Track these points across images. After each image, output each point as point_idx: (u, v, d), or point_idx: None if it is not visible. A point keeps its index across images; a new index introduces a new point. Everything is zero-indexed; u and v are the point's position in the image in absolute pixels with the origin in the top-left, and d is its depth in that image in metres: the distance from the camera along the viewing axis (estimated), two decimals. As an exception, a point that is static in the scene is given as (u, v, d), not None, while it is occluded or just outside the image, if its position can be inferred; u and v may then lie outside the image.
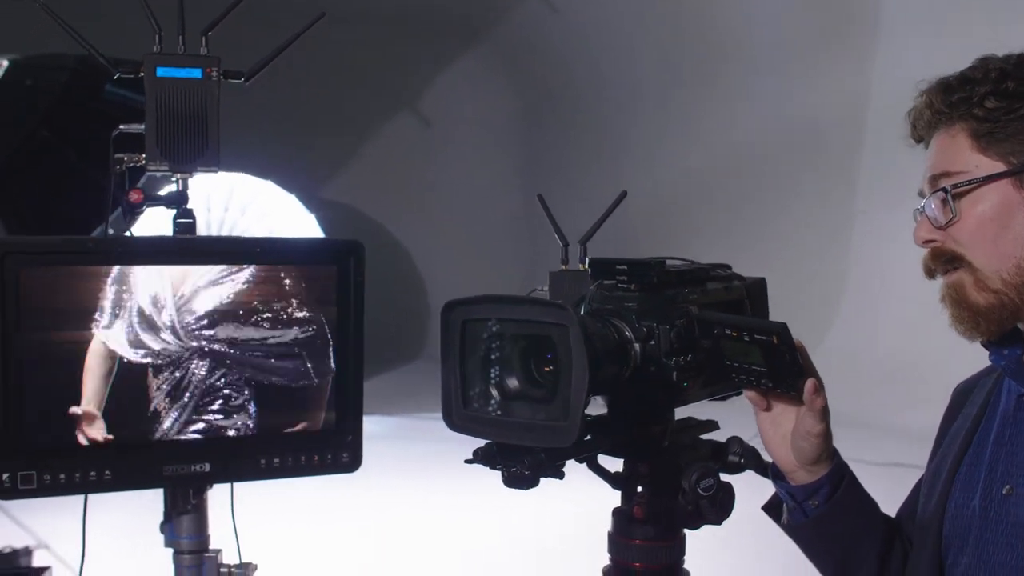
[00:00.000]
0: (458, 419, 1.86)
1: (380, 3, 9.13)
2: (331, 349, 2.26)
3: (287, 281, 2.21)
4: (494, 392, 1.85)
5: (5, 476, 2.07)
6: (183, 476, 2.18)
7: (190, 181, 2.22)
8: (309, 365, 2.24)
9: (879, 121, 8.11)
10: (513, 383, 1.84)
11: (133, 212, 2.16)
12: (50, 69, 5.06)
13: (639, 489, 2.06)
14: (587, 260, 2.19)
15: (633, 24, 9.32)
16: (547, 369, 1.83)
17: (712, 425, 2.15)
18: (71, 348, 2.09)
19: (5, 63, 4.85)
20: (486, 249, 10.58)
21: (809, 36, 8.44)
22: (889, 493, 1.99)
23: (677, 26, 9.05)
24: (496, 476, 1.83)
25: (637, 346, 1.90)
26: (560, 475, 1.81)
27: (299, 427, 2.26)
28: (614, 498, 2.09)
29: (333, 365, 2.26)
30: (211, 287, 2.16)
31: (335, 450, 2.28)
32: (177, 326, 2.16)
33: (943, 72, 1.85)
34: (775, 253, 8.24)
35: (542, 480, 1.82)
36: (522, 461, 1.76)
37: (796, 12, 8.45)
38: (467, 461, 1.86)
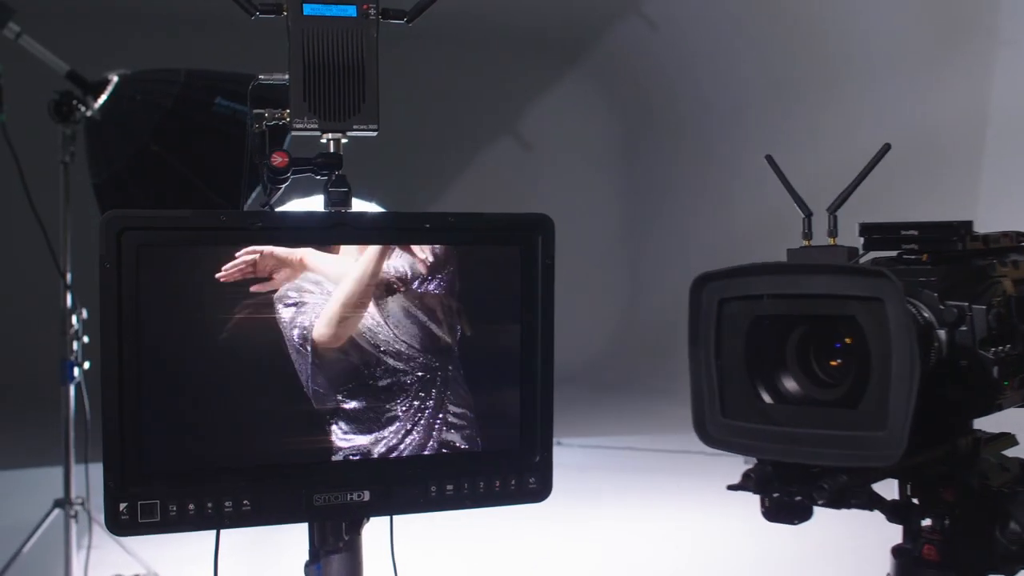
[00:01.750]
0: (715, 430, 1.34)
1: (480, 25, 8.75)
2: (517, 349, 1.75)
3: (466, 266, 1.72)
4: (764, 394, 1.33)
5: (122, 507, 1.60)
6: (337, 507, 1.69)
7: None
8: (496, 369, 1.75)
9: (1001, 132, 7.46)
10: (790, 383, 1.32)
11: (276, 180, 1.67)
12: (160, 83, 4.67)
13: (926, 523, 1.52)
14: (836, 230, 1.66)
15: (738, 39, 8.77)
16: (833, 364, 1.30)
17: (1009, 440, 1.60)
18: (203, 346, 1.62)
19: (115, 78, 4.46)
20: (588, 273, 10.07)
21: (925, 46, 7.83)
22: None
23: (785, 40, 8.49)
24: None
25: (942, 333, 1.37)
26: (869, 505, 1.28)
27: (476, 447, 1.76)
28: (891, 534, 1.56)
29: (518, 369, 1.76)
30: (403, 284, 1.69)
31: (520, 474, 1.77)
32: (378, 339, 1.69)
33: None
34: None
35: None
36: (820, 486, 1.23)
37: (911, 21, 7.85)
38: (731, 487, 1.34)
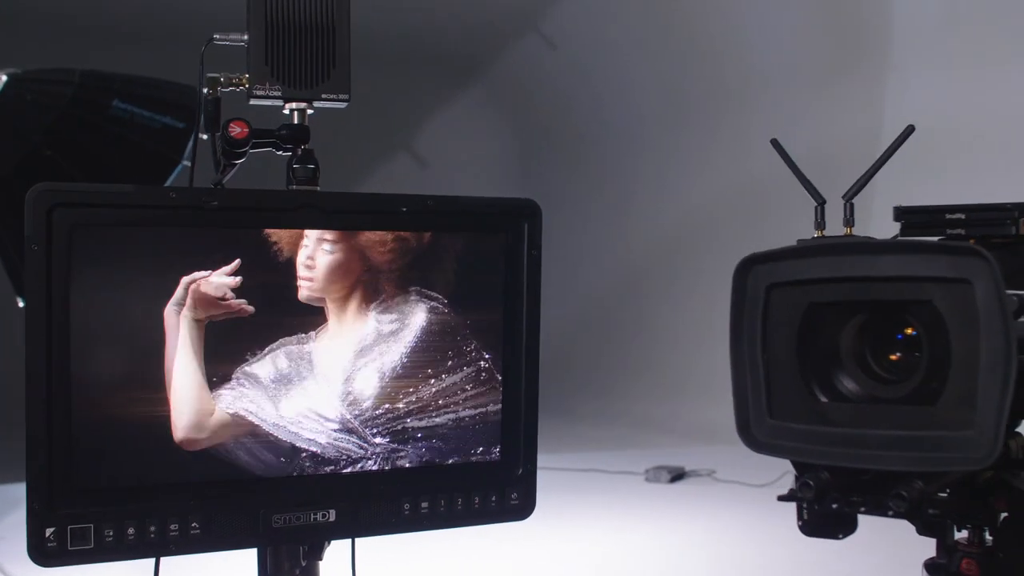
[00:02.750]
0: (762, 433, 1.16)
1: (376, 41, 8.52)
2: (499, 350, 1.55)
3: (442, 255, 1.51)
4: (818, 392, 1.15)
5: (49, 532, 1.34)
6: (299, 529, 1.46)
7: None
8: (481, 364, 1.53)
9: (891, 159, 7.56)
10: (847, 380, 1.15)
11: (233, 154, 1.44)
12: (53, 83, 4.35)
13: (961, 534, 1.36)
14: (853, 219, 1.50)
15: (635, 61, 8.75)
16: (893, 358, 1.14)
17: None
18: (145, 343, 1.37)
19: (4, 77, 4.12)
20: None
21: (817, 70, 7.91)
22: None
23: (681, 62, 8.49)
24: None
25: (1003, 324, 1.21)
26: (950, 515, 1.11)
27: (453, 459, 1.55)
28: (922, 548, 1.40)
29: (498, 374, 1.55)
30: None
31: (500, 490, 1.56)
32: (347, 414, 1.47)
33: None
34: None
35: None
36: (899, 495, 1.06)
37: (806, 44, 7.92)
38: (782, 498, 1.16)
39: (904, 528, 1.40)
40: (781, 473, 5.65)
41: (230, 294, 1.37)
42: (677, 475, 6.03)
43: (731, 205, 8.32)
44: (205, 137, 1.52)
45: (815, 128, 7.90)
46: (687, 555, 4.46)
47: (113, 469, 1.37)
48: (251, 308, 1.39)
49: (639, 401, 8.28)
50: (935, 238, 1.33)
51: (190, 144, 4.51)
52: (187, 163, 4.53)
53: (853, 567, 3.93)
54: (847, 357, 1.14)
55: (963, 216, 1.29)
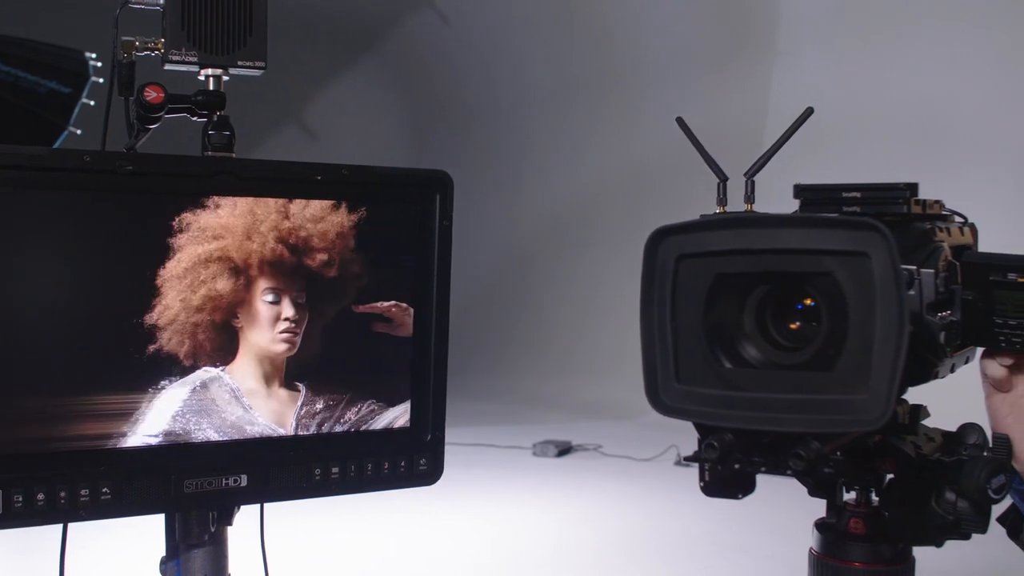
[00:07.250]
0: (670, 398, 1.22)
1: (269, 11, 8.42)
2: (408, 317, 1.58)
3: (357, 225, 1.53)
4: (723, 358, 1.22)
5: (-48, 497, 1.32)
6: (210, 494, 1.47)
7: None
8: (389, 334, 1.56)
9: (777, 136, 7.76)
10: (750, 348, 1.22)
11: (148, 119, 1.43)
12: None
13: (849, 496, 1.45)
14: (754, 196, 1.57)
15: (527, 39, 8.82)
16: (793, 327, 1.21)
17: (923, 410, 1.56)
18: (52, 305, 1.37)
19: None
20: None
21: (709, 52, 8.07)
22: None
23: (571, 42, 8.59)
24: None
25: (892, 296, 1.29)
26: (842, 474, 1.19)
27: (366, 425, 1.58)
28: (813, 508, 1.48)
29: (408, 344, 1.58)
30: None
31: (410, 456, 1.60)
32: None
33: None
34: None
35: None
36: (796, 454, 1.13)
37: (697, 29, 8.07)
38: (688, 459, 1.22)
39: (796, 491, 1.48)
40: (665, 447, 5.82)
41: None
42: (564, 449, 6.14)
43: (618, 185, 8.45)
44: (92, 103, 1.51)
45: (702, 111, 8.07)
46: (577, 527, 4.56)
47: (20, 434, 1.36)
48: None
49: (525, 377, 8.38)
50: (834, 214, 1.40)
51: (76, 109, 4.43)
52: (73, 129, 4.43)
53: (739, 534, 4.08)
54: (750, 326, 1.21)
55: (859, 195, 1.36)
